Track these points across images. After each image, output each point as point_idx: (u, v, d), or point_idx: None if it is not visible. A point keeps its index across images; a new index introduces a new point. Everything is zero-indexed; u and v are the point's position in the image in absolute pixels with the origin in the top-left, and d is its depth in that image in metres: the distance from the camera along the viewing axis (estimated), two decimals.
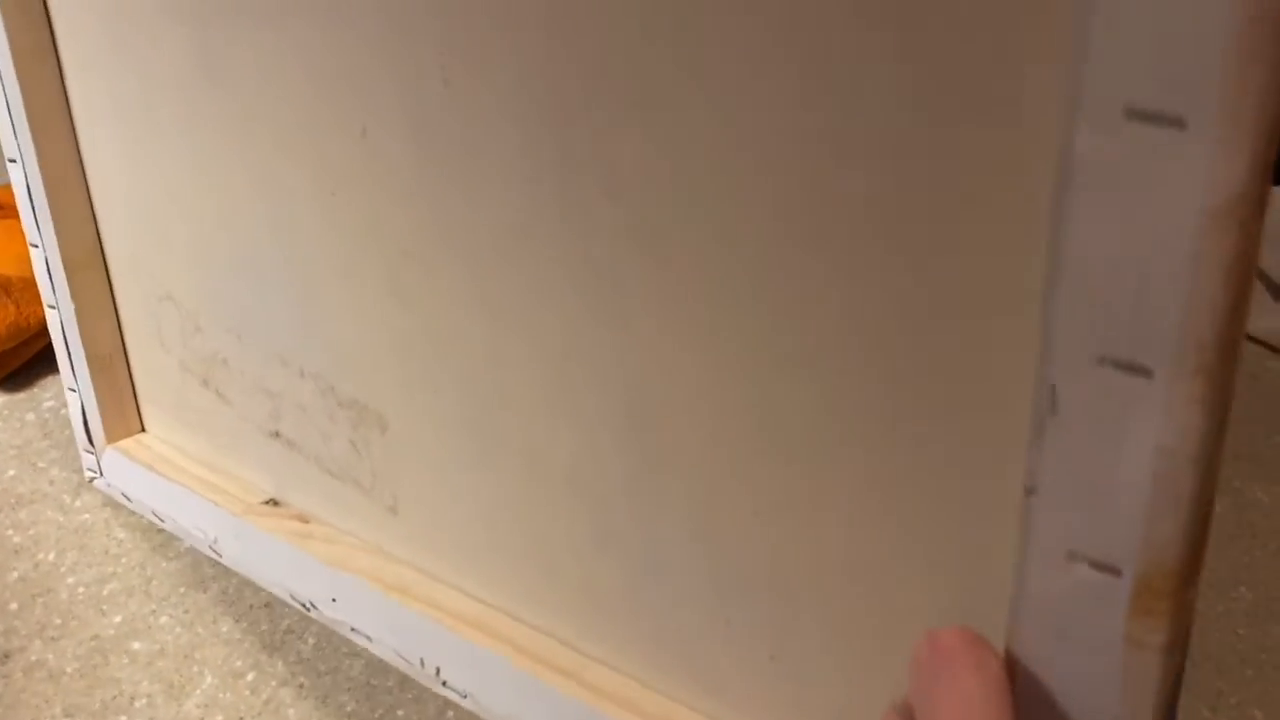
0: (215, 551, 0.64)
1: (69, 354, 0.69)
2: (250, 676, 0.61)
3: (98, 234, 0.66)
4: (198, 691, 0.60)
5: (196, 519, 0.65)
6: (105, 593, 0.68)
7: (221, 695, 0.60)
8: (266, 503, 0.63)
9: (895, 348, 0.34)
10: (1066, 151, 0.26)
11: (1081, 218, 0.26)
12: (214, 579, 0.68)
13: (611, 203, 0.39)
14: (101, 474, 0.72)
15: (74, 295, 0.67)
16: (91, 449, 0.72)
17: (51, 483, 0.76)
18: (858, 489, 0.37)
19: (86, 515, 0.73)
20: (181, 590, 0.67)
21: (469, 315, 0.47)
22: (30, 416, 0.83)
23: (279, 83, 0.50)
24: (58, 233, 0.65)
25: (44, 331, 0.84)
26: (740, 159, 0.35)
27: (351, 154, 0.48)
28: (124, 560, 0.70)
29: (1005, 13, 0.28)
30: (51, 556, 0.70)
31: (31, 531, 0.72)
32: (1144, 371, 0.26)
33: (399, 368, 0.51)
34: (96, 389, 0.69)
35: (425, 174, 0.46)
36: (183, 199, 0.59)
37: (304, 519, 0.61)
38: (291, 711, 0.59)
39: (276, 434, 0.60)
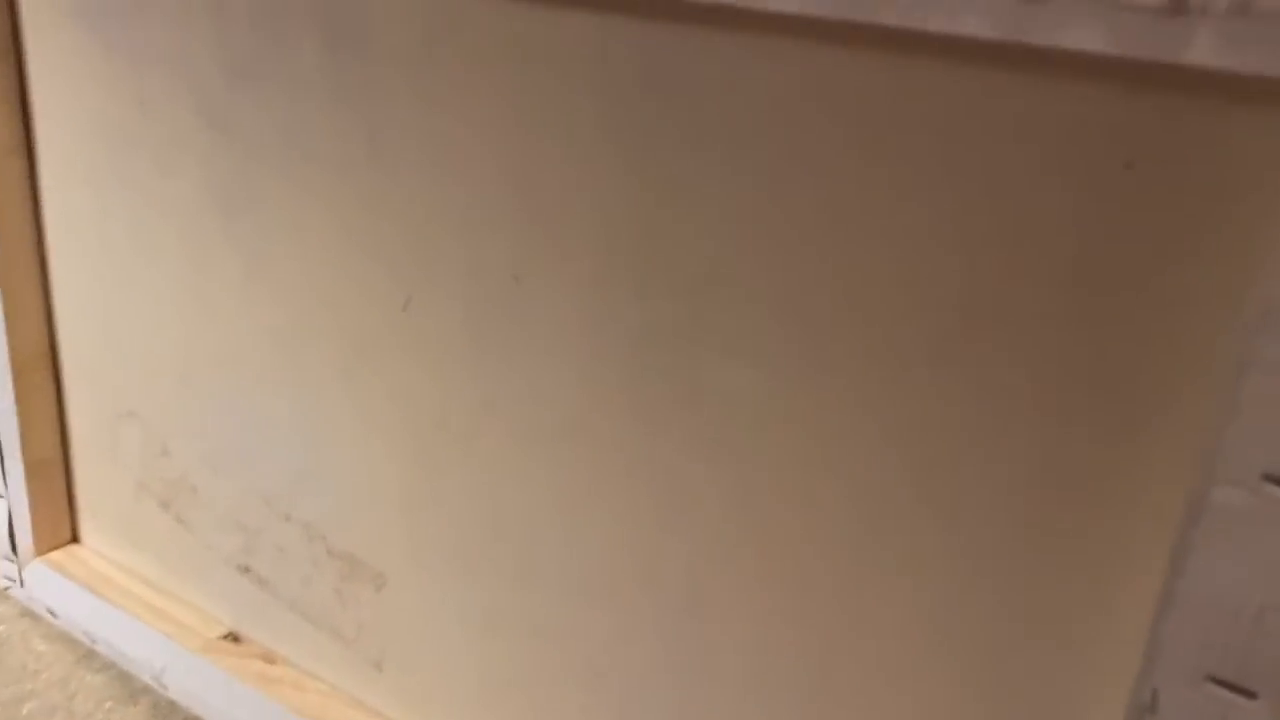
0: (160, 683, 0.61)
1: (2, 456, 0.65)
2: None
3: (52, 340, 0.63)
4: None
5: (141, 647, 0.62)
6: (24, 713, 0.64)
7: None
8: (225, 637, 0.60)
9: (988, 664, 0.36)
10: (1200, 498, 0.29)
11: (1207, 555, 0.29)
12: (144, 692, 0.64)
13: (690, 412, 0.41)
14: (22, 584, 0.68)
15: (18, 397, 0.63)
16: (14, 558, 0.67)
17: None
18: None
19: (1, 627, 0.69)
20: (108, 705, 0.64)
21: (508, 495, 0.47)
22: None
23: (318, 233, 0.50)
24: (8, 331, 0.62)
25: None
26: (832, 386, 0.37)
27: (389, 323, 0.48)
28: (44, 676, 0.66)
29: (1142, 368, 0.31)
30: None
31: None
32: (1249, 693, 0.29)
33: (412, 533, 0.51)
34: (30, 495, 0.65)
35: (476, 355, 0.46)
36: (173, 327, 0.57)
37: (269, 658, 0.59)
38: None
39: (246, 569, 0.59)
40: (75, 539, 0.68)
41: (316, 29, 0.45)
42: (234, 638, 0.60)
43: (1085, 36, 0.28)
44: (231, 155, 0.51)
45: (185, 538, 0.61)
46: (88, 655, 0.66)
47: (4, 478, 0.66)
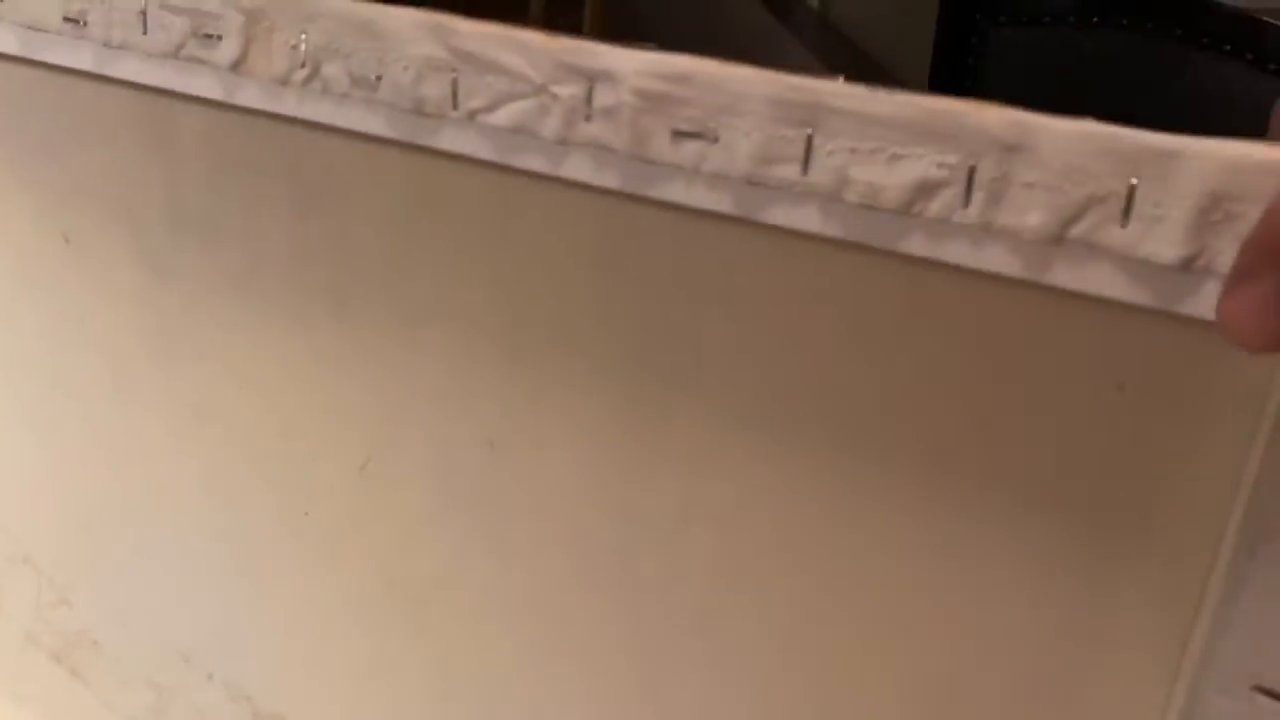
0: None
1: None
2: None
3: None
4: None
5: None
6: None
7: None
8: None
9: None
10: (1195, 705, 0.31)
11: None
12: None
13: (676, 586, 0.41)
14: None
15: None
16: None
17: None
18: None
19: None
20: None
21: (463, 667, 0.46)
22: None
23: (267, 385, 0.48)
24: None
25: None
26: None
27: (344, 481, 0.47)
28: None
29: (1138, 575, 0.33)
30: None
31: None
32: None
33: (354, 700, 0.49)
34: None
35: (439, 521, 0.45)
36: (82, 469, 0.54)
37: None
38: None
39: None
40: None
41: (281, 182, 0.44)
42: None
43: (1102, 282, 0.30)
44: (171, 300, 0.49)
45: (81, 693, 0.57)
46: None
47: None
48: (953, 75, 0.98)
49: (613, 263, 0.38)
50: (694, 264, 0.37)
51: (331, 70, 0.39)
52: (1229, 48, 0.85)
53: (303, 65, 0.40)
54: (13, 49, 0.46)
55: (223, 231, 0.46)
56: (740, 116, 0.33)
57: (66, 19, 0.44)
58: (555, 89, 0.36)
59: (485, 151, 0.38)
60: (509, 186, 0.39)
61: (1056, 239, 0.30)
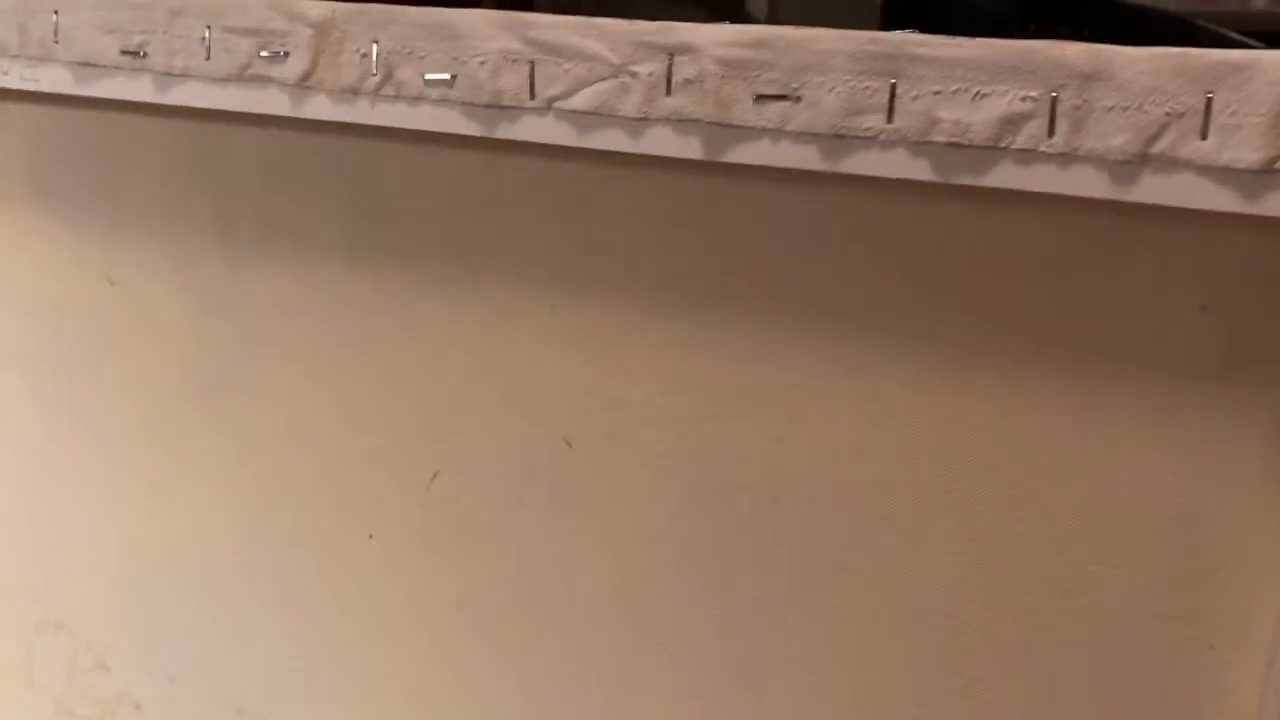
0: None
1: None
2: None
3: None
4: None
5: None
6: None
7: None
8: None
9: None
10: None
11: None
12: None
13: (755, 582, 0.41)
14: None
15: None
16: None
17: None
18: None
19: None
20: None
21: (542, 688, 0.45)
22: None
23: (325, 411, 0.48)
24: None
25: None
26: None
27: (410, 501, 0.46)
28: None
29: None
30: None
31: None
32: None
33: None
34: None
35: (509, 531, 0.45)
36: (123, 523, 0.52)
37: None
38: None
39: None
40: None
41: (346, 192, 0.45)
42: None
43: (1187, 193, 0.32)
44: (221, 334, 0.49)
45: None
46: None
47: None
48: None
49: (695, 230, 0.39)
50: (778, 222, 0.38)
51: (405, 74, 0.41)
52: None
53: (374, 72, 0.41)
54: (66, 87, 0.47)
55: (278, 255, 0.47)
56: (823, 74, 0.35)
57: (125, 51, 0.45)
58: (635, 68, 0.37)
59: (564, 136, 0.39)
60: (588, 167, 0.40)
61: (1140, 157, 0.32)
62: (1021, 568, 0.37)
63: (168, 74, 0.44)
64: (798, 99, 0.36)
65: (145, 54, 0.45)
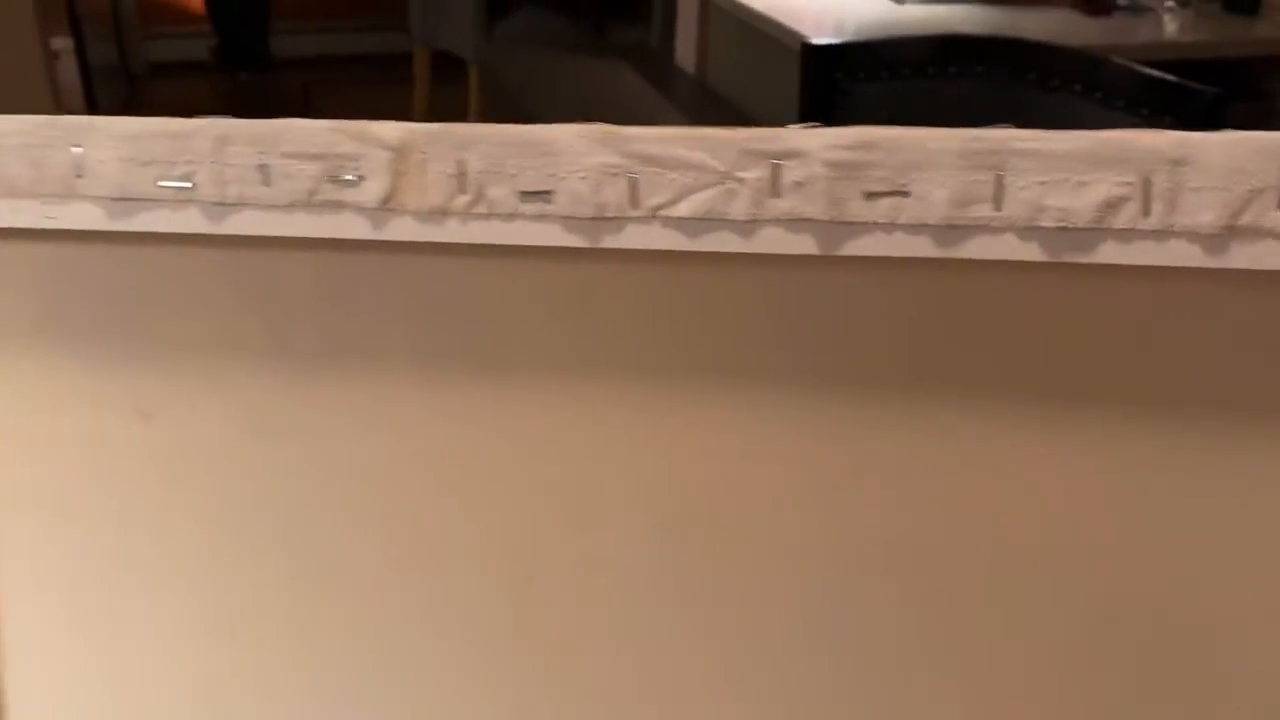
0: None
1: None
2: None
3: None
4: None
5: None
6: None
7: None
8: None
9: None
10: None
11: None
12: None
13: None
14: None
15: None
16: None
17: None
18: None
19: None
20: None
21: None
22: None
23: (384, 533, 0.47)
24: None
25: None
26: None
27: (510, 602, 0.47)
28: None
29: None
30: None
31: None
32: None
33: None
34: None
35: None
36: (178, 667, 0.50)
37: None
38: None
39: None
40: None
41: (418, 311, 0.45)
42: None
43: (1270, 257, 0.37)
44: (280, 457, 0.48)
45: None
46: None
47: None
48: None
49: (807, 317, 0.41)
50: (890, 305, 0.41)
51: (497, 192, 0.41)
52: (1078, 87, 0.98)
53: (463, 191, 0.41)
54: (96, 223, 0.44)
55: (343, 374, 0.46)
56: (930, 170, 0.38)
57: (165, 183, 0.43)
58: (741, 174, 0.39)
59: (669, 241, 0.40)
60: (694, 268, 0.41)
61: (1228, 229, 0.37)
62: None
63: (220, 204, 0.43)
64: (906, 194, 0.38)
65: (193, 184, 0.43)
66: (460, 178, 0.41)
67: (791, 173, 0.39)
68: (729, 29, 1.97)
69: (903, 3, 2.24)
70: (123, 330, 0.47)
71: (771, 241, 0.40)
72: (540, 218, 0.41)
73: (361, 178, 0.42)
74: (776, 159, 0.39)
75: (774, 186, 0.39)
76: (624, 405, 0.44)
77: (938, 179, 0.38)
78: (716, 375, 0.43)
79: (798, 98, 1.15)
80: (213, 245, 0.45)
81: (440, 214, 0.42)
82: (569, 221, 0.41)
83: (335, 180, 0.42)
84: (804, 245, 0.39)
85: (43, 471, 0.49)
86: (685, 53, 2.15)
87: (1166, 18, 1.98)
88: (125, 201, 0.44)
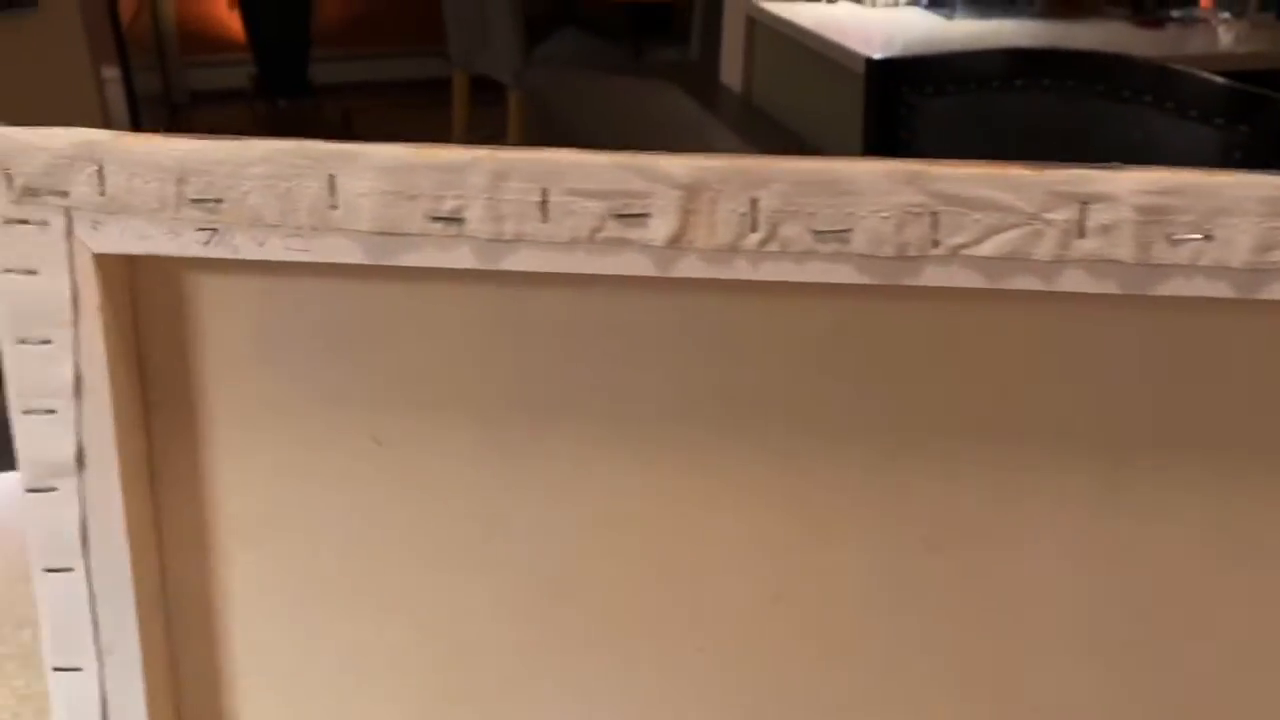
0: None
1: None
2: None
3: None
4: None
5: None
6: None
7: None
8: None
9: None
10: None
11: None
12: None
13: None
14: None
15: None
16: None
17: None
18: None
19: None
20: None
21: None
22: None
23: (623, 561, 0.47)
24: None
25: None
26: None
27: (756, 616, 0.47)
28: None
29: None
30: None
31: None
32: None
33: None
34: None
35: (874, 640, 0.47)
36: (406, 675, 0.49)
37: None
38: None
39: None
40: None
41: (696, 343, 0.44)
42: None
43: None
44: (525, 492, 0.47)
45: None
46: None
47: None
48: (886, 148, 1.08)
49: (1112, 360, 0.42)
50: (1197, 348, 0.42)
51: (791, 230, 0.41)
52: (1150, 98, 1.00)
53: (754, 229, 0.41)
54: (352, 257, 0.42)
55: (590, 413, 0.45)
56: (1235, 216, 0.39)
57: (435, 218, 0.42)
58: (1048, 215, 0.40)
59: (968, 280, 0.41)
60: (996, 307, 0.42)
61: None
62: None
63: (495, 239, 0.42)
64: (1210, 238, 0.39)
65: (463, 219, 0.42)
66: (752, 216, 0.41)
67: (1098, 215, 0.40)
68: (776, 47, 1.97)
69: (952, 18, 2.26)
70: (357, 360, 0.46)
71: (1073, 282, 0.40)
72: (835, 256, 0.41)
73: (648, 215, 0.41)
74: (1084, 201, 0.40)
75: (1080, 228, 0.40)
76: (907, 459, 0.44)
77: (1241, 225, 0.39)
78: (1012, 417, 0.44)
79: (857, 113, 1.16)
80: (466, 280, 0.44)
81: (729, 252, 0.41)
82: (865, 260, 0.41)
83: (620, 217, 0.41)
84: (1106, 286, 0.40)
85: (277, 500, 0.48)
86: (731, 71, 2.15)
87: (1221, 29, 2.02)
88: (388, 237, 0.42)
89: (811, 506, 0.46)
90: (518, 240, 0.42)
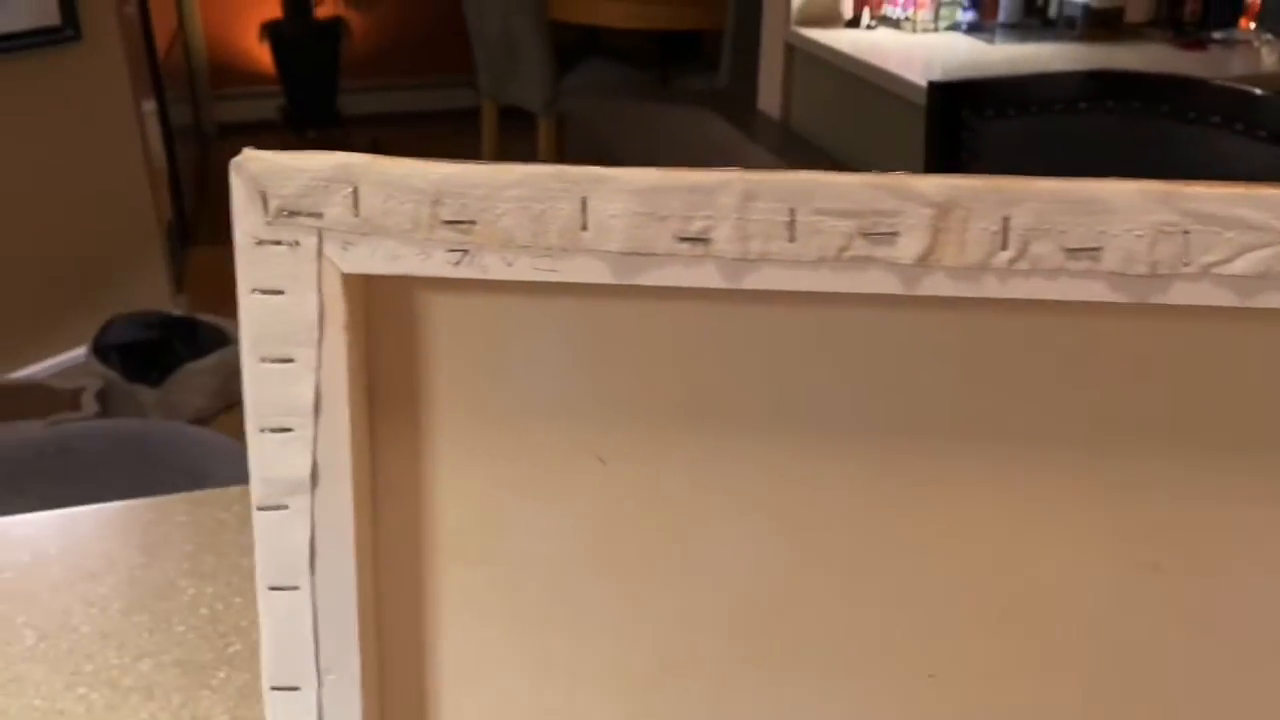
0: None
1: None
2: None
3: None
4: None
5: None
6: None
7: None
8: None
9: None
10: None
11: None
12: None
13: None
14: None
15: None
16: None
17: None
18: None
19: None
20: None
21: None
22: None
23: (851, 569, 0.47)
24: None
25: None
26: None
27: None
28: None
29: None
30: None
31: None
32: None
33: None
34: None
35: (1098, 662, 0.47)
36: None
37: None
38: None
39: None
40: None
41: (943, 360, 0.45)
42: None
43: None
44: (730, 515, 0.47)
45: None
46: None
47: None
48: (946, 171, 1.09)
49: None
50: None
51: (1042, 249, 0.41)
52: (1218, 119, 1.01)
53: (1004, 247, 0.41)
54: (599, 277, 0.43)
55: (788, 435, 0.46)
56: None
57: (683, 238, 0.42)
58: None
59: (1219, 298, 0.41)
60: (1245, 324, 0.42)
61: None
62: None
63: (742, 259, 0.42)
64: None
65: (710, 240, 0.42)
66: (1004, 233, 0.41)
67: None
68: (817, 73, 1.98)
69: (993, 42, 2.28)
70: (590, 378, 0.46)
71: None
72: (1086, 274, 0.41)
73: (896, 234, 0.42)
74: None
75: None
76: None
77: None
78: (1257, 432, 0.44)
79: (906, 137, 1.17)
80: (708, 299, 0.44)
81: (978, 270, 0.42)
82: (1116, 278, 0.41)
83: (868, 236, 0.42)
84: None
85: (496, 517, 0.48)
86: (769, 97, 2.17)
87: (1264, 50, 2.03)
88: (634, 256, 0.43)
89: (1044, 522, 0.46)
90: (763, 259, 0.42)
